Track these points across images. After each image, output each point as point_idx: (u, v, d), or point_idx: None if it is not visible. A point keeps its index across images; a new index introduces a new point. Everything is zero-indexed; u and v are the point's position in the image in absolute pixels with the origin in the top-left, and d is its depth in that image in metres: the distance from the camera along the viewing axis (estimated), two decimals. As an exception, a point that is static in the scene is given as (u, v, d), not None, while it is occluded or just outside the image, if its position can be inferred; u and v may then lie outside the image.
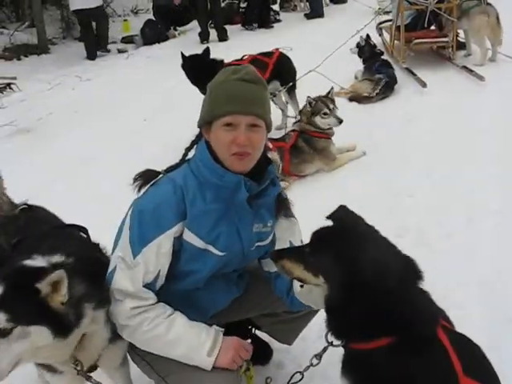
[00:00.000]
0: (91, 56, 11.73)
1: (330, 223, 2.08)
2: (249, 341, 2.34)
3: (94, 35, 11.82)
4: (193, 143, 2.44)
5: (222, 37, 11.86)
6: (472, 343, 1.98)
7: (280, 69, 6.09)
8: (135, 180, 2.40)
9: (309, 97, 5.43)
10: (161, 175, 2.37)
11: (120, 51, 11.97)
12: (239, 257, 2.41)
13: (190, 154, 2.44)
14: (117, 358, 2.47)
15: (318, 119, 5.33)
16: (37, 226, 2.60)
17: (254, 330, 3.02)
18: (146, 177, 2.39)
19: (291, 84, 6.20)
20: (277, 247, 2.51)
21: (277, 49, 6.32)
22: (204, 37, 11.80)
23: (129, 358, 2.54)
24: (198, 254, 2.27)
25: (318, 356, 2.27)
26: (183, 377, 2.24)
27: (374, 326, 1.89)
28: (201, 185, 2.26)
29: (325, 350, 2.23)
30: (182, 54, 5.81)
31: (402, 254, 2.01)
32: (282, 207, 2.53)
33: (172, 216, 2.20)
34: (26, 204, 2.80)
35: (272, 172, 2.39)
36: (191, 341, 2.23)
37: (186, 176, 2.28)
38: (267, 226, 2.46)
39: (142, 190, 2.35)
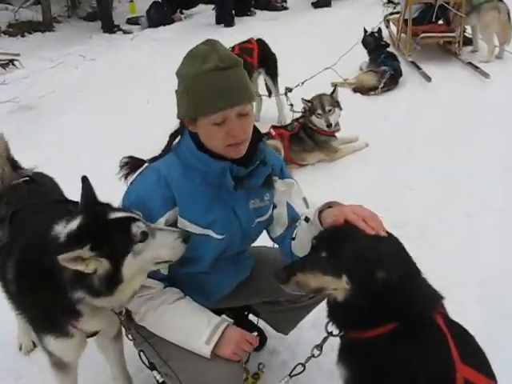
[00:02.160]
0: (108, 29, 11.75)
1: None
2: (255, 333, 2.30)
3: (109, 8, 11.87)
4: (176, 132, 2.36)
5: (228, 22, 11.84)
6: (467, 332, 1.99)
7: (263, 55, 6.03)
8: (121, 168, 2.38)
9: (302, 99, 5.41)
10: (146, 164, 2.34)
11: (125, 32, 11.89)
12: (239, 236, 2.38)
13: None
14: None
15: (313, 118, 5.31)
16: (37, 199, 2.59)
17: (248, 315, 3.02)
18: (132, 165, 2.37)
19: (274, 73, 6.17)
20: (275, 211, 2.47)
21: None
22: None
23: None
24: (197, 240, 2.23)
25: (319, 347, 2.23)
26: (185, 362, 2.22)
27: (377, 315, 1.89)
28: (188, 170, 2.22)
29: (325, 340, 2.20)
30: None
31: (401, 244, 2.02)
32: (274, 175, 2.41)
33: (158, 206, 2.18)
34: (28, 176, 2.77)
35: (263, 150, 2.29)
36: (191, 327, 2.22)
37: (170, 164, 2.25)
38: (264, 200, 2.39)
39: (129, 179, 2.33)
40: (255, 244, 2.66)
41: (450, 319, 1.99)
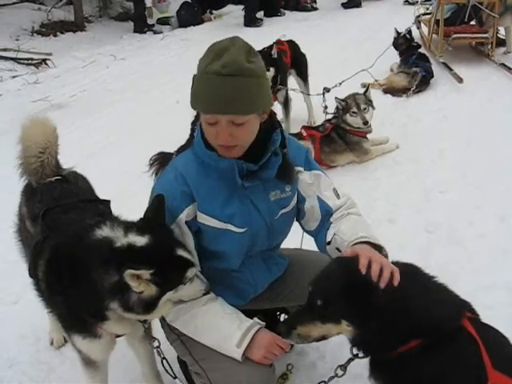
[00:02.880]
0: (139, 29, 11.86)
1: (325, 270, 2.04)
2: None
3: (143, 8, 11.95)
4: (196, 118, 2.37)
5: (253, 23, 11.88)
6: (500, 335, 1.96)
7: (294, 56, 6.01)
8: (151, 165, 2.41)
9: (336, 98, 5.37)
10: (174, 156, 2.37)
11: (155, 32, 11.98)
12: (264, 229, 2.36)
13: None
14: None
15: (347, 117, 5.27)
16: (70, 198, 2.62)
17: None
18: (161, 160, 2.40)
19: (305, 74, 6.15)
20: (306, 206, 2.43)
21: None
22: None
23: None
24: (219, 235, 2.25)
25: (343, 367, 2.21)
26: (217, 363, 2.22)
27: (393, 338, 1.89)
28: (203, 166, 2.23)
29: (350, 361, 2.17)
30: None
31: (402, 263, 2.03)
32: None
33: (178, 203, 2.22)
34: (60, 175, 2.80)
35: (276, 140, 2.24)
36: (222, 330, 2.22)
37: (187, 161, 2.27)
38: (285, 191, 2.36)
39: (159, 174, 2.36)
40: (288, 245, 2.65)
41: (481, 323, 1.97)
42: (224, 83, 1.99)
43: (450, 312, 1.92)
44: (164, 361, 2.38)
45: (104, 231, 2.09)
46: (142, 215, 2.21)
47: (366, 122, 5.24)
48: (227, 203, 2.24)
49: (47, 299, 2.36)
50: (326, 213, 2.41)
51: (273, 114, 2.29)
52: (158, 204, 2.16)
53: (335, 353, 2.31)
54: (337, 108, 5.42)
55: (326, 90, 5.75)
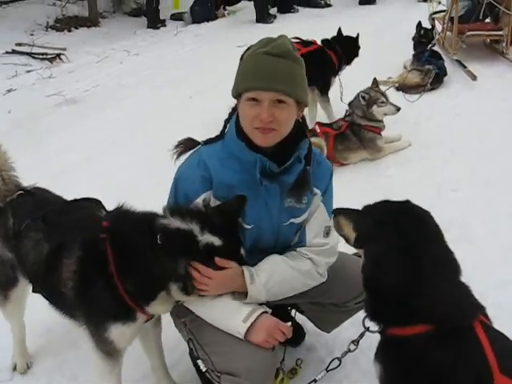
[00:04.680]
0: (152, 24, 11.90)
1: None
2: (289, 323, 2.31)
3: (157, 4, 11.98)
4: (230, 115, 2.42)
5: (263, 19, 11.88)
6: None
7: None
8: (176, 147, 2.47)
9: (360, 91, 5.37)
10: (199, 146, 2.44)
11: (168, 28, 11.98)
12: (270, 231, 2.41)
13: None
14: None
15: (374, 109, 5.26)
16: (49, 205, 2.62)
17: (291, 310, 3.02)
18: (187, 145, 2.45)
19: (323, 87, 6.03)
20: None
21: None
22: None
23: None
24: None
25: (356, 342, 2.27)
26: (220, 347, 2.27)
27: (410, 310, 1.90)
28: (229, 157, 2.30)
29: (362, 335, 2.23)
30: None
31: (447, 248, 2.02)
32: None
33: (197, 187, 2.31)
34: (22, 189, 2.77)
35: (302, 148, 2.31)
36: (231, 305, 2.28)
37: (214, 150, 2.35)
38: (301, 202, 2.39)
39: (182, 157, 2.42)
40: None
41: (493, 329, 1.95)
42: (272, 62, 2.13)
43: (465, 308, 1.93)
44: (190, 341, 2.42)
45: (172, 221, 2.22)
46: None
47: (399, 108, 5.29)
48: None
49: (79, 297, 2.35)
50: (300, 241, 2.50)
51: (304, 121, 2.39)
52: (238, 204, 2.27)
53: (344, 348, 2.33)
54: (349, 103, 5.43)
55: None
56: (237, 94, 2.25)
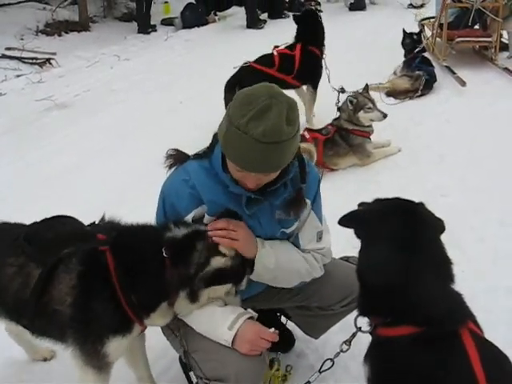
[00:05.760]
0: (143, 29, 11.91)
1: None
2: (272, 329, 2.31)
3: (147, 9, 12.01)
4: (217, 137, 2.42)
5: (254, 25, 11.95)
6: (502, 355, 1.93)
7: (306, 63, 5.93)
8: (167, 158, 2.47)
9: (349, 95, 5.39)
10: (188, 160, 2.41)
11: (158, 33, 11.98)
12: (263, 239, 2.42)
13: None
14: None
15: (361, 114, 5.28)
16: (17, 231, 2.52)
17: (281, 316, 3.03)
18: (177, 157, 2.45)
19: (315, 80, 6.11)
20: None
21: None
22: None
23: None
24: None
25: (348, 342, 2.29)
26: (209, 354, 2.27)
27: (398, 309, 1.93)
28: (217, 176, 2.29)
29: (354, 335, 2.25)
30: None
31: (443, 251, 2.05)
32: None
33: (186, 204, 2.31)
34: None
35: (290, 172, 2.27)
36: (216, 314, 2.28)
37: (201, 168, 2.33)
38: (289, 214, 2.40)
39: (172, 169, 2.42)
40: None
41: (482, 339, 1.95)
42: (261, 150, 2.01)
43: (452, 313, 1.92)
44: (180, 349, 2.43)
45: (178, 231, 2.25)
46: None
47: (385, 115, 5.30)
48: None
49: (76, 312, 2.30)
50: (294, 245, 2.51)
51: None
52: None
53: (335, 353, 2.34)
54: (339, 108, 5.45)
55: (341, 90, 5.69)
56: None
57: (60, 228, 2.47)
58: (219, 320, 2.27)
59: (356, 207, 2.28)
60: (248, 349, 2.22)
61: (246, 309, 2.39)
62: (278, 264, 2.36)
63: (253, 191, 2.24)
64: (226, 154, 2.16)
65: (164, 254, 2.19)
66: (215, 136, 2.32)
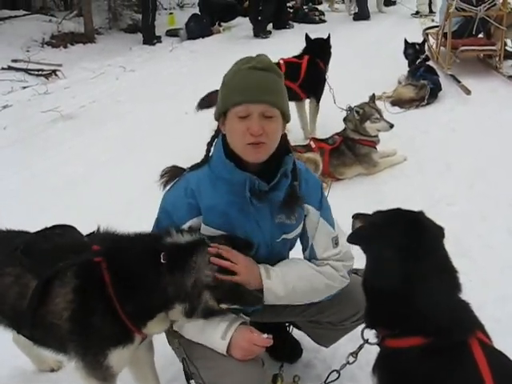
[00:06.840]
0: (148, 40, 11.98)
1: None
2: (265, 335, 2.29)
3: (152, 20, 12.10)
4: (213, 138, 2.44)
5: (260, 33, 12.06)
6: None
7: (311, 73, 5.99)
8: (162, 177, 2.49)
9: (351, 106, 5.39)
10: (185, 172, 2.46)
11: (164, 44, 12.06)
12: (264, 248, 2.41)
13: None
14: None
15: (367, 125, 5.27)
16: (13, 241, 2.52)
17: (291, 327, 3.01)
18: (172, 173, 2.47)
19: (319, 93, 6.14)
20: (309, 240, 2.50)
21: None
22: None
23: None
24: None
25: (355, 354, 2.29)
26: (209, 362, 2.27)
27: (407, 319, 1.93)
28: (216, 180, 2.31)
29: (361, 347, 2.25)
30: None
31: (449, 262, 2.06)
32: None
33: (183, 214, 2.32)
34: None
35: (287, 163, 2.32)
36: (210, 322, 2.26)
37: (201, 176, 2.36)
38: (291, 219, 2.40)
39: (168, 186, 2.42)
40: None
41: (492, 348, 1.94)
42: (259, 75, 2.20)
43: (461, 324, 1.92)
44: (184, 359, 2.42)
45: (179, 237, 2.24)
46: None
47: (392, 125, 5.29)
48: (231, 218, 2.31)
49: (72, 330, 2.29)
50: (311, 257, 2.51)
51: (286, 137, 2.39)
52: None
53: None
54: (345, 119, 5.44)
55: (349, 109, 5.52)
56: (223, 111, 2.26)
57: (57, 239, 2.48)
58: (212, 329, 2.26)
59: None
60: (242, 355, 2.22)
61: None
62: (288, 289, 2.34)
63: (257, 174, 2.24)
64: (229, 103, 2.22)
65: (162, 259, 2.17)
66: (209, 145, 2.41)
